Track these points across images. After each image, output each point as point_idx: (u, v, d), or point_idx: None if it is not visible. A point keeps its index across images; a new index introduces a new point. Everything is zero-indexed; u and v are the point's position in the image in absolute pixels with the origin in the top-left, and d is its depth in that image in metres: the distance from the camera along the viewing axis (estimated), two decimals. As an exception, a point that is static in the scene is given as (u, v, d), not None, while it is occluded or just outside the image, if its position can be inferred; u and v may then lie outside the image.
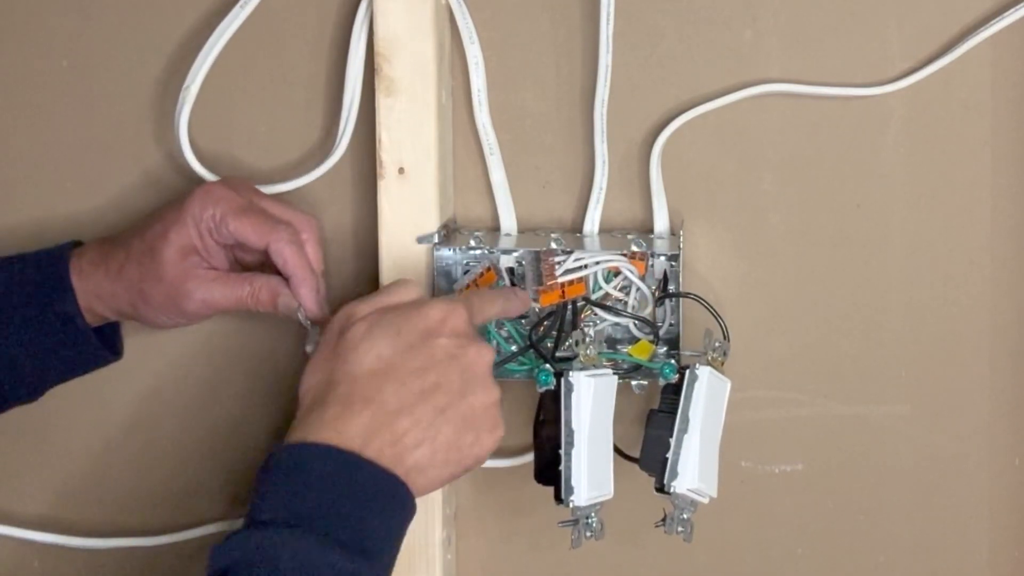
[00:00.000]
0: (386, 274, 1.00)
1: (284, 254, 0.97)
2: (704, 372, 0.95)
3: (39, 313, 0.99)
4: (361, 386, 0.86)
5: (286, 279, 0.98)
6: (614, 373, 0.96)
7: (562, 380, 0.94)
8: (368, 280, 1.03)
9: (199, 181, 1.02)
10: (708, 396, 0.95)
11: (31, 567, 1.11)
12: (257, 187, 1.02)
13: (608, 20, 0.98)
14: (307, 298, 0.97)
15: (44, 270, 0.99)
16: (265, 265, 1.00)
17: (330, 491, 0.83)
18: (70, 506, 1.11)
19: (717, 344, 0.97)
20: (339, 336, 0.89)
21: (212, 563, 0.81)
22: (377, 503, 0.83)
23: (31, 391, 1.03)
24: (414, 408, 0.86)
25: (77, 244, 1.02)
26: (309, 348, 0.97)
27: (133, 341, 1.07)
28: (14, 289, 0.99)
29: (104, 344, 1.02)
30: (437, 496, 1.02)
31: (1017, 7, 0.98)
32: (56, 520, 1.11)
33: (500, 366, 0.98)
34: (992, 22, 0.99)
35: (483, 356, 0.89)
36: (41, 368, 1.01)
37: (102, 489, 1.11)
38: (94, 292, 0.99)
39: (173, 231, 0.98)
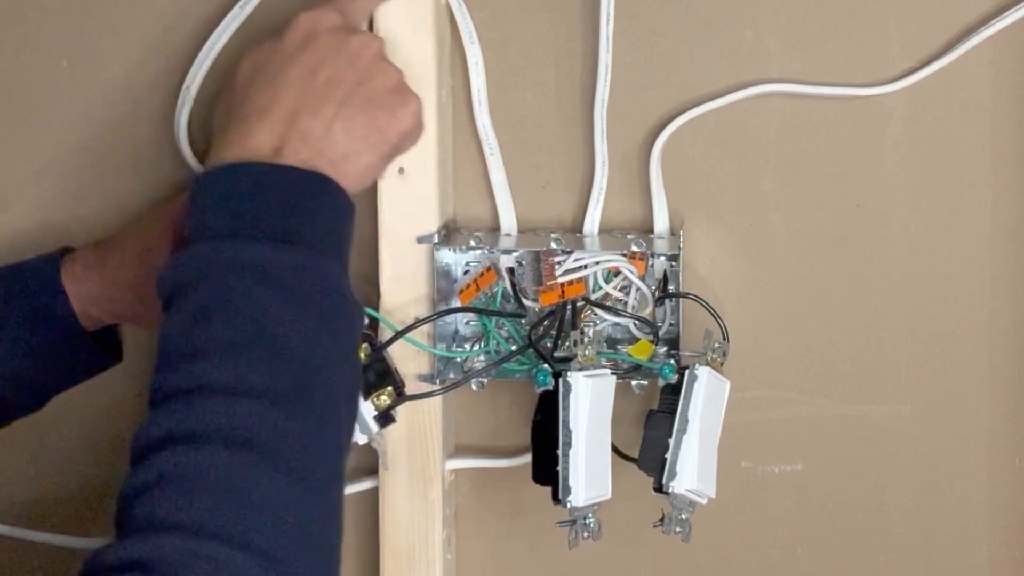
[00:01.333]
0: (386, 274, 1.00)
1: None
2: (703, 372, 0.95)
3: (35, 321, 0.98)
4: (256, 103, 0.86)
5: None
6: (613, 373, 0.96)
7: (560, 380, 0.94)
8: (368, 280, 1.03)
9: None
10: (707, 396, 0.95)
11: (31, 567, 1.11)
12: None
13: (608, 20, 0.98)
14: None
15: (36, 278, 0.99)
16: None
17: (252, 201, 0.81)
18: (70, 506, 1.11)
19: (717, 345, 0.97)
20: (231, 80, 0.89)
21: (159, 288, 0.80)
22: (301, 201, 0.82)
23: (34, 401, 1.02)
24: (315, 105, 0.85)
25: (68, 251, 1.02)
26: None
27: (133, 341, 1.07)
28: (8, 299, 0.98)
29: (103, 348, 1.02)
30: (437, 496, 1.02)
31: (1017, 7, 0.98)
32: (56, 520, 1.11)
33: (499, 365, 0.99)
34: (992, 22, 0.99)
35: (368, 44, 0.89)
36: (42, 377, 1.00)
37: (102, 489, 1.11)
38: (89, 296, 0.99)
39: (167, 237, 0.96)
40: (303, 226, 0.81)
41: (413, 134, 0.89)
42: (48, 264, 0.99)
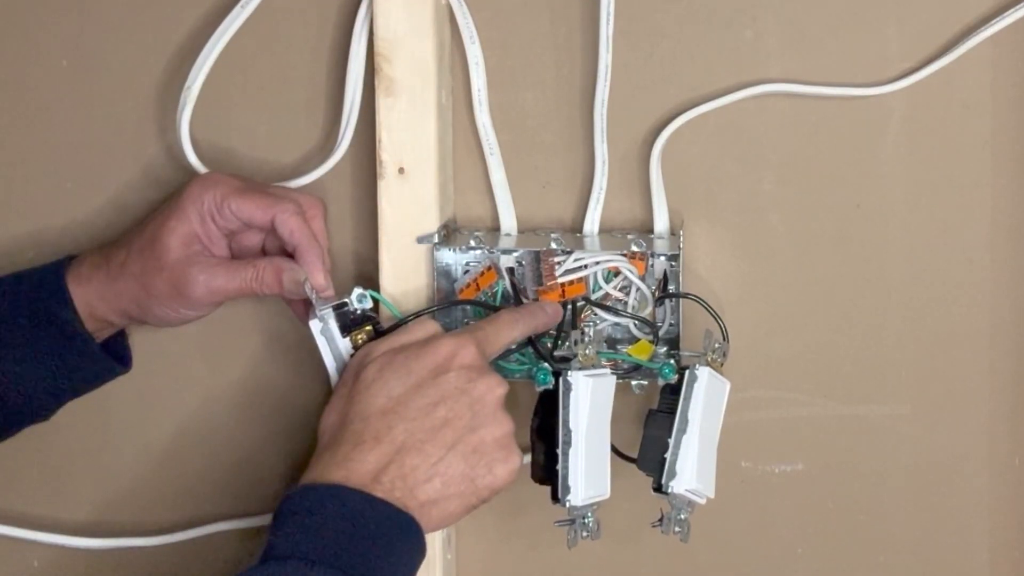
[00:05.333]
0: (386, 274, 1.00)
1: (289, 224, 0.97)
2: (703, 373, 0.95)
3: (40, 327, 0.98)
4: (372, 425, 0.88)
5: (291, 253, 0.98)
6: (613, 373, 0.96)
7: (560, 380, 0.94)
8: (368, 280, 1.03)
9: (199, 181, 1.02)
10: (707, 397, 0.95)
11: (31, 567, 1.11)
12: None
13: (608, 20, 0.98)
14: (314, 267, 0.97)
15: (41, 283, 0.99)
16: (265, 252, 1.01)
17: (341, 529, 0.84)
18: (71, 506, 1.11)
19: (717, 345, 0.97)
20: (355, 377, 0.91)
21: None
22: (386, 540, 0.85)
23: (42, 409, 1.02)
24: (424, 445, 0.88)
25: (72, 257, 1.02)
26: (314, 325, 0.96)
27: (134, 342, 1.07)
28: (14, 307, 0.99)
29: (111, 355, 1.02)
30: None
31: (1017, 7, 0.98)
32: (57, 520, 1.11)
33: (496, 363, 0.99)
34: (992, 22, 0.99)
35: (493, 389, 0.90)
36: (49, 384, 1.00)
37: (102, 489, 1.11)
38: (96, 295, 0.99)
39: (174, 219, 0.98)
40: (383, 568, 0.84)
41: (500, 490, 0.91)
42: (53, 270, 1.00)
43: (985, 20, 0.99)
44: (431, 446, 0.88)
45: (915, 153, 1.01)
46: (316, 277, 0.97)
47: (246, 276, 0.98)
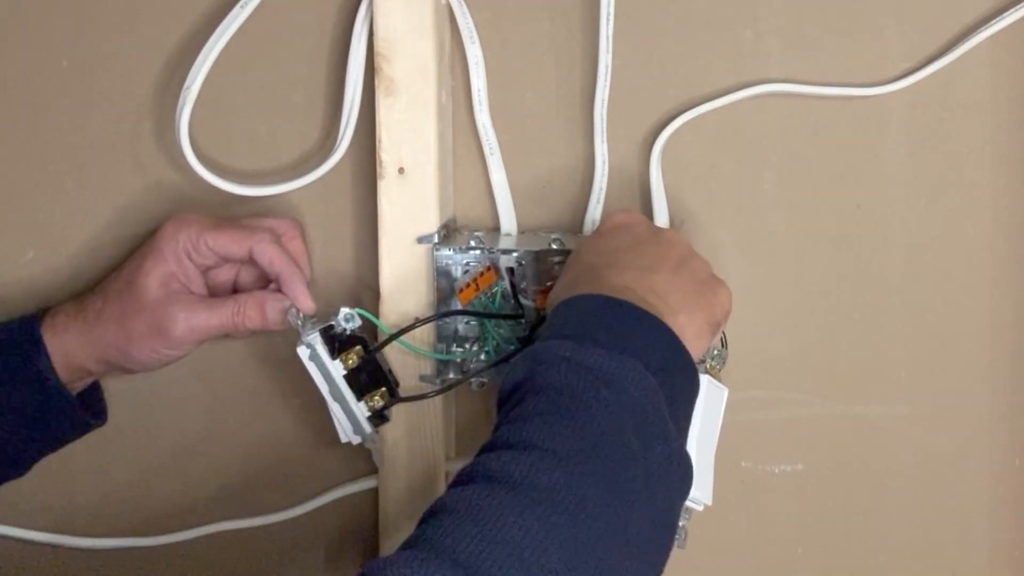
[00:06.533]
0: (386, 274, 1.00)
1: (268, 253, 0.98)
2: (702, 380, 0.95)
3: (14, 380, 0.98)
4: (617, 258, 0.91)
5: (273, 280, 0.99)
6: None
7: None
8: (368, 280, 1.03)
9: (199, 181, 1.02)
10: (705, 404, 0.95)
11: (31, 567, 1.11)
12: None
13: (608, 20, 0.98)
14: (298, 291, 0.98)
15: (15, 336, 0.99)
16: (237, 288, 1.02)
17: (602, 319, 0.85)
18: (70, 506, 1.11)
19: (716, 352, 0.97)
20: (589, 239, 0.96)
21: (504, 385, 0.84)
22: (645, 331, 0.85)
23: (16, 465, 1.02)
24: (655, 265, 0.90)
25: (47, 310, 1.01)
26: (301, 352, 0.96)
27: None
28: None
29: (86, 408, 1.02)
30: (437, 496, 1.01)
31: (1017, 7, 0.98)
32: (56, 520, 1.11)
33: (497, 365, 0.99)
34: (992, 22, 0.99)
35: (679, 238, 0.95)
36: (24, 439, 1.00)
37: (103, 489, 1.11)
38: (74, 343, 0.99)
39: (150, 261, 0.98)
40: (640, 348, 0.84)
41: (728, 311, 0.93)
42: (27, 323, 0.99)
43: (985, 20, 0.99)
44: (660, 265, 0.91)
45: (915, 153, 1.01)
46: (303, 302, 0.98)
47: (227, 312, 0.98)
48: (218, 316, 0.98)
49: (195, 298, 0.99)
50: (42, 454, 1.03)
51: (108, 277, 1.02)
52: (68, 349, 0.99)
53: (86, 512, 1.11)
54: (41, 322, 0.99)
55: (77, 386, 1.02)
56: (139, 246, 1.02)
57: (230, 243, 0.98)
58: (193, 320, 0.98)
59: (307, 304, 0.98)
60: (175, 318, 0.97)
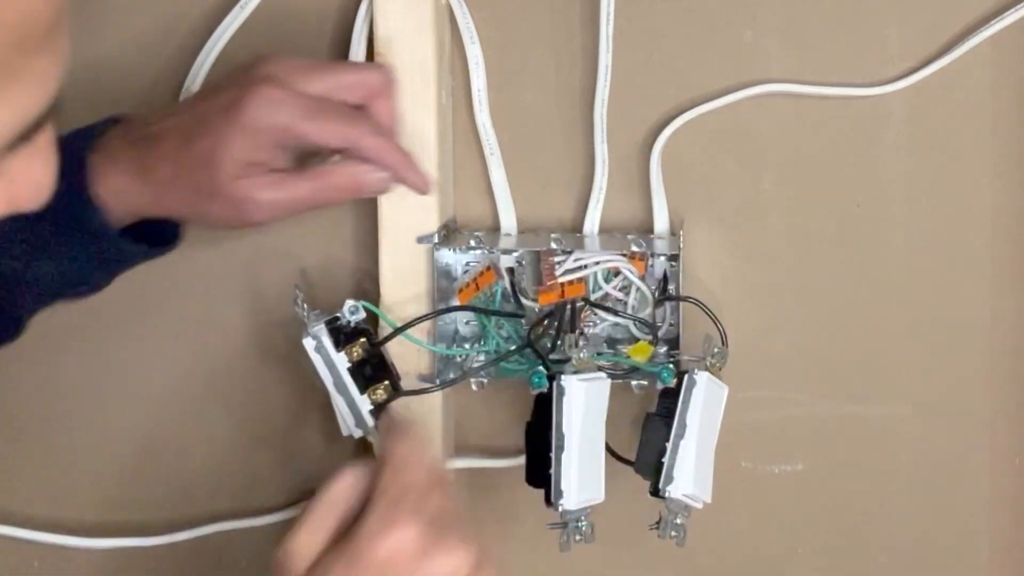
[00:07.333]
0: (386, 274, 1.00)
1: (374, 149, 0.91)
2: (702, 378, 0.95)
3: (62, 230, 0.89)
4: None
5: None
6: (612, 374, 0.96)
7: (554, 384, 0.94)
8: (368, 280, 1.03)
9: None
10: (706, 402, 0.95)
11: (31, 567, 1.12)
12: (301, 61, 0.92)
13: (608, 20, 0.98)
14: (414, 180, 0.93)
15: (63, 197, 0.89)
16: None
17: None
18: (70, 506, 1.11)
19: (716, 350, 0.97)
20: None
21: None
22: None
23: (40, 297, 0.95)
24: None
25: (99, 134, 0.91)
26: (307, 343, 0.95)
27: (132, 341, 1.07)
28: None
29: (152, 237, 0.94)
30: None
31: (1017, 7, 0.98)
32: (56, 520, 1.11)
33: (495, 363, 0.99)
34: (992, 22, 0.99)
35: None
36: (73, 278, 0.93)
37: (102, 489, 1.11)
38: (134, 203, 0.90)
39: (230, 144, 0.88)
40: None
41: None
42: (76, 179, 0.89)
43: (985, 20, 0.99)
44: None
45: (915, 153, 1.01)
46: (419, 186, 0.93)
47: (317, 187, 0.90)
48: (306, 194, 0.90)
49: (277, 176, 0.90)
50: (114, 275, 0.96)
51: (172, 128, 0.90)
52: (127, 208, 0.91)
53: (86, 512, 1.11)
54: (90, 175, 0.89)
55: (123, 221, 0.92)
56: (214, 90, 0.91)
57: (329, 137, 0.89)
58: (277, 200, 0.90)
59: (423, 187, 0.93)
60: (257, 204, 0.89)
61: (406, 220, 1.00)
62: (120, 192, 0.91)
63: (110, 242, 0.92)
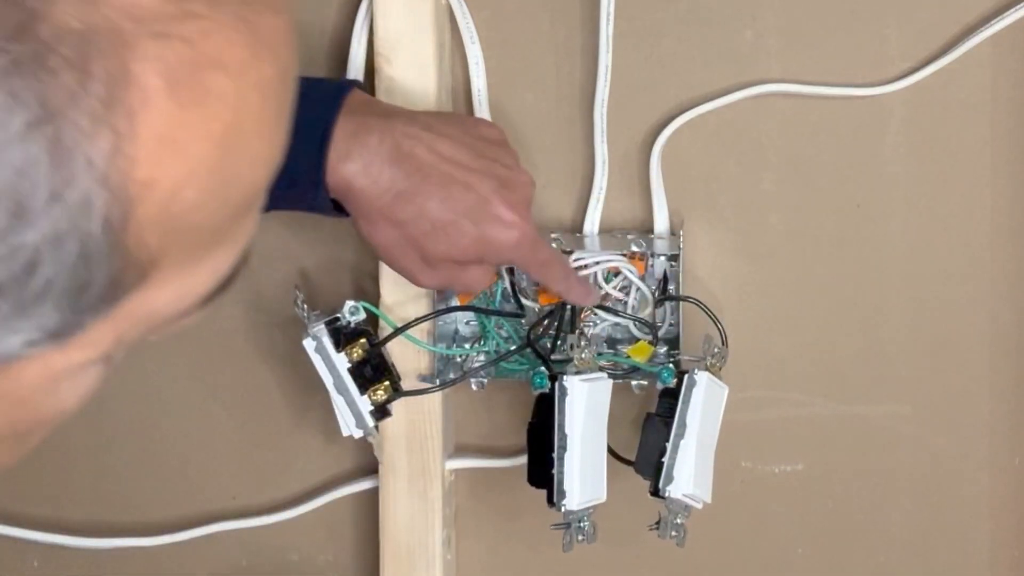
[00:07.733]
0: (386, 273, 1.00)
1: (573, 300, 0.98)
2: (703, 378, 0.95)
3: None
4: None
5: None
6: (612, 374, 0.96)
7: (556, 384, 0.93)
8: (368, 280, 1.03)
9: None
10: (706, 402, 0.95)
11: (31, 567, 1.12)
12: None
13: (608, 20, 0.98)
14: (581, 298, 0.98)
15: (300, 164, 0.87)
16: None
17: None
18: (70, 506, 1.11)
19: (716, 350, 0.97)
20: None
21: None
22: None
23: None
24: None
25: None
26: (308, 344, 0.95)
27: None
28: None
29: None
30: (437, 496, 1.02)
31: (1017, 7, 0.98)
32: (56, 520, 1.11)
33: (496, 363, 0.99)
34: (992, 22, 0.99)
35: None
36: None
37: (102, 489, 1.11)
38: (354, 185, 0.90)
39: (474, 255, 0.92)
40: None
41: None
42: (314, 159, 0.89)
43: (985, 20, 0.99)
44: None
45: (915, 153, 1.01)
46: (591, 301, 0.98)
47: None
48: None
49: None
50: None
51: (434, 178, 0.90)
52: (346, 187, 0.90)
53: (86, 512, 1.11)
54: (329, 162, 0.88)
55: None
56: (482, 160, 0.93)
57: (550, 283, 0.97)
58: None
59: (593, 299, 0.98)
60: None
61: (406, 220, 0.99)
62: (352, 178, 0.89)
63: (320, 211, 0.92)
